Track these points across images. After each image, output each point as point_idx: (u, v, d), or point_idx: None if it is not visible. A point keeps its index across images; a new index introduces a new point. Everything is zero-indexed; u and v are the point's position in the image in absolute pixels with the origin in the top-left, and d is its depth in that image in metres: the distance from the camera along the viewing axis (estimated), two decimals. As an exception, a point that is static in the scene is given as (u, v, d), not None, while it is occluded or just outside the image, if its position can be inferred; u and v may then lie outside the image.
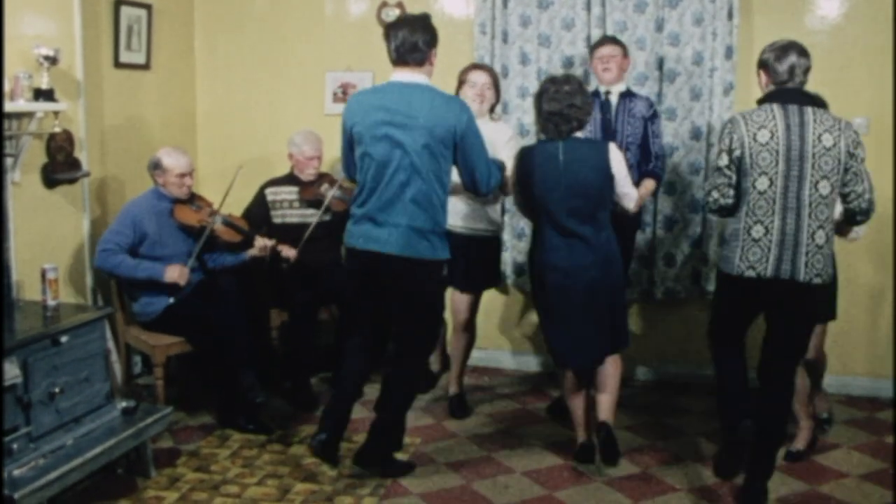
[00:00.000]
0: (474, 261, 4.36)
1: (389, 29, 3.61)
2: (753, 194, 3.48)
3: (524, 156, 3.88)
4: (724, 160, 3.54)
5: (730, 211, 3.60)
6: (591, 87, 4.80)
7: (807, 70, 3.53)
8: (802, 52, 3.52)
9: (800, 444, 4.14)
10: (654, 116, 4.51)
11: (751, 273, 3.49)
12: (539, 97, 3.82)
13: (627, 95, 4.52)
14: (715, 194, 3.59)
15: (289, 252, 4.77)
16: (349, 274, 3.84)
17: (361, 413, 4.73)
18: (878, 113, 4.72)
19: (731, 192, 3.55)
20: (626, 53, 4.54)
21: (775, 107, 3.48)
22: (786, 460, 4.08)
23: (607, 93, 4.52)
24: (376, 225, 3.60)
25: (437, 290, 3.83)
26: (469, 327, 4.63)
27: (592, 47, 4.62)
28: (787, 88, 3.51)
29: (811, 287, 3.47)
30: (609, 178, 3.77)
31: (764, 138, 3.44)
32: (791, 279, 3.45)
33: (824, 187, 3.43)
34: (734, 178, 3.53)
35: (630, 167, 4.26)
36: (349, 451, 4.17)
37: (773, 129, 3.43)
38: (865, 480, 3.95)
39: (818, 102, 3.58)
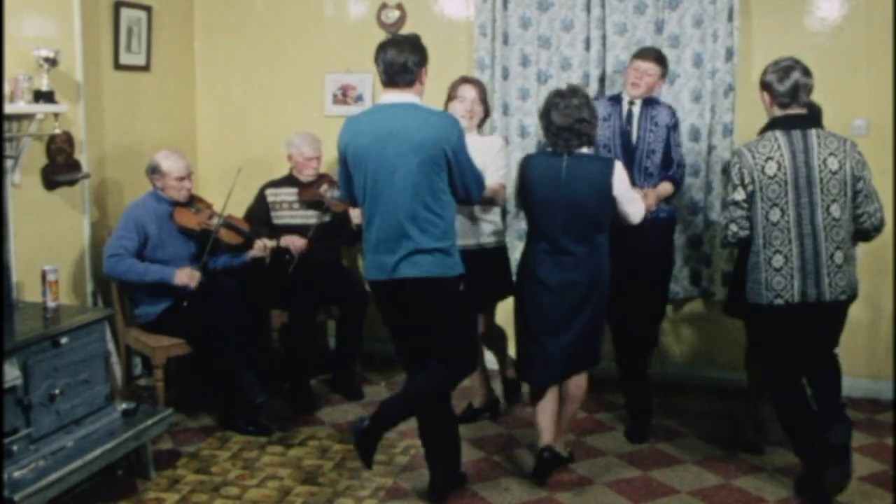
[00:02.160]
0: (481, 276, 4.20)
1: (378, 51, 3.58)
2: (767, 226, 3.53)
3: (527, 165, 3.85)
4: (740, 195, 3.57)
5: (745, 241, 3.65)
6: (614, 91, 4.82)
7: (810, 90, 3.56)
8: (806, 72, 3.54)
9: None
10: (676, 125, 4.43)
11: (779, 301, 3.55)
12: (547, 112, 3.76)
13: (650, 103, 4.43)
14: (734, 227, 3.62)
15: (297, 242, 4.77)
16: (379, 308, 3.78)
17: (363, 415, 4.73)
18: (877, 115, 4.72)
19: (748, 223, 3.60)
20: (664, 74, 4.42)
21: (779, 134, 3.51)
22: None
23: (630, 102, 4.42)
24: (383, 252, 3.55)
25: (459, 307, 3.69)
26: (490, 333, 4.62)
27: (634, 54, 4.45)
28: (791, 115, 3.54)
29: (838, 304, 3.57)
30: (609, 200, 3.72)
31: (771, 171, 3.48)
32: (818, 301, 3.52)
33: (835, 210, 3.49)
34: (749, 211, 3.58)
35: (651, 176, 4.29)
36: (349, 452, 4.18)
37: (780, 160, 3.48)
38: (866, 482, 3.94)
39: (819, 121, 3.64)
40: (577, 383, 3.93)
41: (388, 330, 3.81)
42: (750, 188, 3.54)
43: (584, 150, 3.80)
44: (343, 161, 3.65)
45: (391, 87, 3.57)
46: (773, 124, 3.58)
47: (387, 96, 3.60)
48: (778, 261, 3.52)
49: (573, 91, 3.79)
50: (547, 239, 3.78)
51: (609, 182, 3.71)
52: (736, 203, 3.60)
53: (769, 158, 3.49)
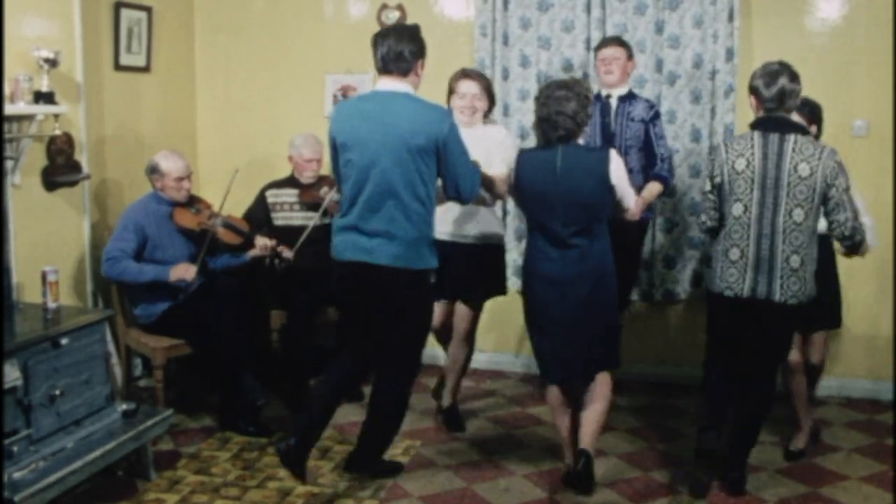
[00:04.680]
0: (474, 270, 4.24)
1: (377, 37, 3.60)
2: (730, 219, 3.63)
3: (521, 159, 3.78)
4: (707, 186, 3.74)
5: (715, 232, 3.75)
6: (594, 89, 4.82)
7: (797, 95, 3.58)
8: (793, 78, 3.55)
9: (799, 443, 4.20)
10: (655, 118, 4.45)
11: (729, 293, 3.64)
12: (535, 100, 3.74)
13: (628, 98, 4.48)
14: (703, 217, 3.82)
15: (288, 253, 4.77)
16: (338, 286, 3.74)
17: (362, 416, 4.74)
18: (878, 115, 4.72)
19: (716, 215, 3.72)
20: (630, 55, 4.50)
21: (756, 135, 3.56)
22: (785, 460, 4.15)
23: (608, 96, 4.50)
24: (362, 235, 3.56)
25: (426, 302, 3.74)
26: (469, 338, 4.46)
27: (596, 48, 4.58)
28: (773, 117, 3.56)
29: (786, 307, 3.58)
30: (608, 189, 3.66)
31: (741, 166, 3.57)
32: (767, 299, 3.57)
33: (798, 215, 3.52)
34: (718, 202, 3.70)
35: (631, 171, 4.19)
36: (346, 452, 4.18)
37: (750, 158, 3.55)
38: (866, 483, 3.95)
39: (819, 119, 3.71)
40: (602, 381, 3.82)
41: (340, 310, 3.82)
42: (717, 180, 3.65)
43: (580, 141, 3.74)
44: (332, 144, 3.67)
45: (385, 75, 3.59)
46: (754, 125, 3.62)
47: (381, 84, 3.61)
48: (734, 254, 3.62)
49: (562, 83, 3.70)
50: (547, 234, 3.71)
51: (606, 171, 3.64)
52: (705, 194, 3.76)
53: (740, 155, 3.58)
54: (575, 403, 3.85)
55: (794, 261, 3.53)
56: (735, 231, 3.60)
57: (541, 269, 3.74)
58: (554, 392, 3.85)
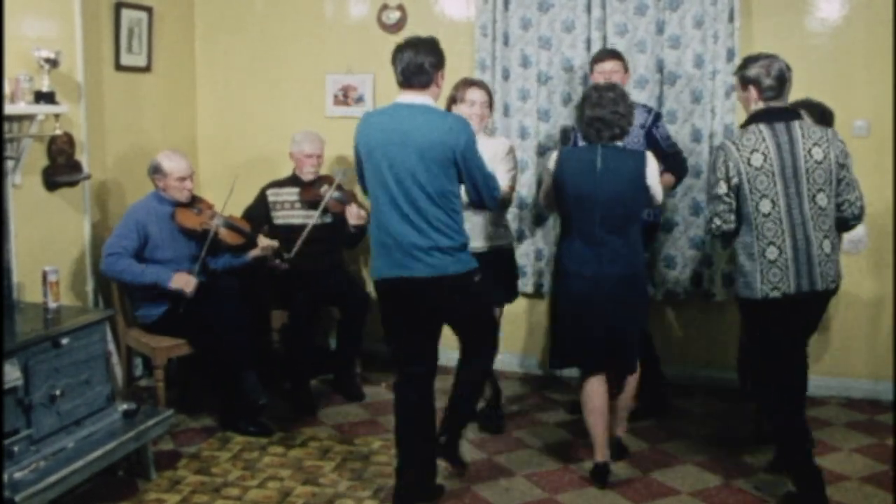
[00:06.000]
0: (489, 279, 4.26)
1: (396, 51, 3.62)
2: (758, 218, 3.53)
3: (563, 158, 3.89)
4: (722, 188, 3.57)
5: (731, 235, 3.65)
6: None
7: (791, 82, 3.58)
8: (786, 65, 3.57)
9: None
10: (657, 120, 4.48)
11: (776, 294, 3.53)
12: (582, 103, 3.85)
13: None
14: (717, 221, 3.61)
15: (287, 255, 4.77)
16: (384, 306, 3.73)
17: (364, 416, 4.73)
18: (878, 115, 4.71)
19: (733, 217, 3.59)
20: (626, 68, 4.52)
21: (763, 127, 3.53)
22: None
23: None
24: (395, 250, 3.55)
25: (478, 298, 3.74)
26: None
27: (594, 59, 4.56)
28: (772, 107, 3.56)
29: (828, 293, 3.61)
30: (643, 189, 3.79)
31: (758, 162, 3.50)
32: (811, 290, 3.54)
33: (822, 199, 3.51)
34: (734, 203, 3.57)
35: None
36: (350, 453, 4.18)
37: (766, 152, 3.50)
38: (866, 483, 3.95)
39: (830, 122, 3.70)
40: (631, 379, 4.05)
41: (388, 327, 3.75)
42: (735, 181, 3.54)
43: (618, 143, 3.85)
44: (357, 156, 3.70)
45: (407, 88, 3.59)
46: (755, 118, 3.58)
47: (402, 97, 3.62)
48: (772, 252, 3.53)
49: (610, 86, 3.90)
50: (583, 233, 3.81)
51: (643, 172, 3.79)
52: (719, 197, 3.59)
53: (754, 150, 3.51)
54: (605, 399, 3.96)
55: (826, 245, 3.52)
56: (767, 229, 3.52)
57: (577, 267, 3.84)
58: (593, 387, 3.91)
